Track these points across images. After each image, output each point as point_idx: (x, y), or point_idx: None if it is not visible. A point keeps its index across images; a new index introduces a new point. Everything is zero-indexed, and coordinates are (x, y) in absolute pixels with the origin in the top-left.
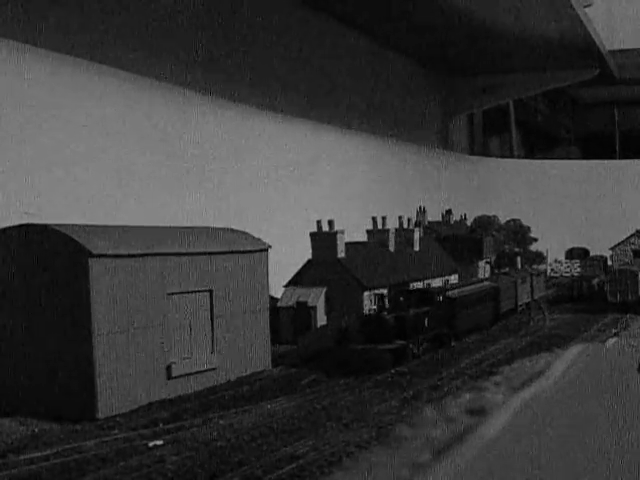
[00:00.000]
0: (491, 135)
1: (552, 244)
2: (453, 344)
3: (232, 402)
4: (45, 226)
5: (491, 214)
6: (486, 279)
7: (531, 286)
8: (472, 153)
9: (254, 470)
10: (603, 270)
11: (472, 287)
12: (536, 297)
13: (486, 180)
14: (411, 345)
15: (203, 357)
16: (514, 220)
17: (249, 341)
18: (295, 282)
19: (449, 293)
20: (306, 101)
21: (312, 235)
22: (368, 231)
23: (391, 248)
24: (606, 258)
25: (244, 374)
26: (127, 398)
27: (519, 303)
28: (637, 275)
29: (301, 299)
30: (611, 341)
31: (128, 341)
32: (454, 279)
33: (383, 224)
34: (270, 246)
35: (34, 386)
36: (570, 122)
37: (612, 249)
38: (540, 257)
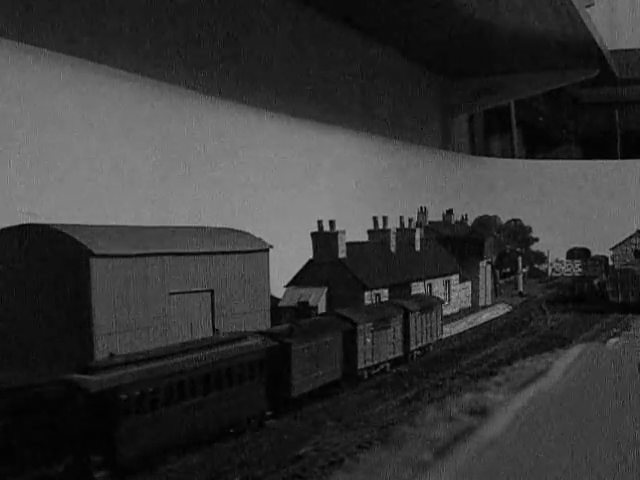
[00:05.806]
0: (492, 135)
1: (553, 244)
2: None
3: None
4: (46, 226)
5: (492, 214)
6: (266, 332)
7: (405, 332)
8: (473, 153)
9: (255, 470)
10: (604, 270)
11: (187, 358)
12: (419, 345)
13: (487, 180)
14: None
15: None
16: (515, 220)
17: None
18: (296, 282)
19: (94, 382)
20: (307, 101)
21: (313, 235)
22: (369, 231)
23: (392, 248)
24: (607, 258)
25: None
26: None
27: (362, 366)
28: (638, 275)
29: (302, 299)
30: (612, 341)
31: (129, 341)
32: (455, 279)
33: (384, 224)
34: (271, 246)
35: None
36: (571, 122)
37: (613, 249)
38: (541, 257)
